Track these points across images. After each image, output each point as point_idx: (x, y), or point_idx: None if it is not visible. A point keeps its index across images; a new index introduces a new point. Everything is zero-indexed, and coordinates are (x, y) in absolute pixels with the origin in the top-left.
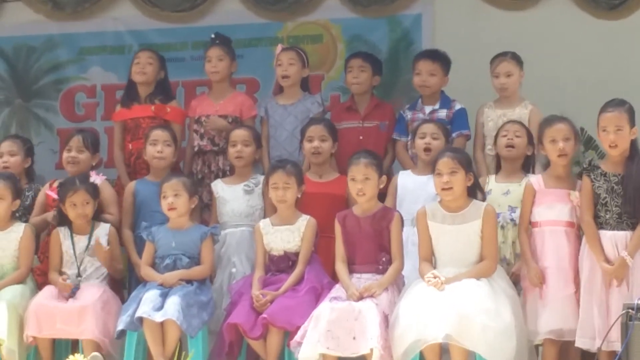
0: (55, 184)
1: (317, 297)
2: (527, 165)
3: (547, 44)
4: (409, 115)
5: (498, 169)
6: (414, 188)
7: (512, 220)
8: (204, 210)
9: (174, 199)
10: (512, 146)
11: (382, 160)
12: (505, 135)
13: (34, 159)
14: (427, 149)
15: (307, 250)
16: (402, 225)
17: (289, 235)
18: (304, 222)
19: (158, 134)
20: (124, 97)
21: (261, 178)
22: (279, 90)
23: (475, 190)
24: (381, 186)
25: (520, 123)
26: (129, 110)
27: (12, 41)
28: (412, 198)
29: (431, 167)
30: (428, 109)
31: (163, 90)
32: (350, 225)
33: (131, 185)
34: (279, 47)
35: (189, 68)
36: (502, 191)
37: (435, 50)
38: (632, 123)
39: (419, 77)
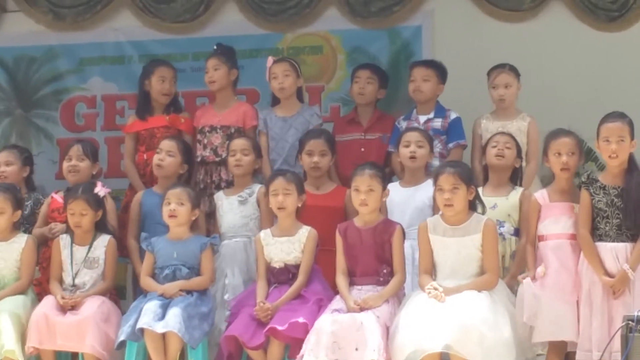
0: (59, 194)
1: (322, 308)
2: (515, 178)
3: (546, 55)
4: (403, 125)
5: (486, 180)
6: (400, 201)
7: (500, 234)
8: (207, 220)
9: (177, 207)
10: (501, 156)
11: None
12: (495, 146)
13: (33, 169)
14: (412, 157)
15: (308, 262)
16: (404, 238)
17: (289, 247)
18: (305, 233)
19: (164, 143)
20: (139, 108)
21: (255, 188)
22: (276, 101)
23: (475, 203)
24: (384, 199)
25: (510, 135)
26: (144, 122)
27: (13, 51)
28: (400, 210)
29: (417, 178)
30: (423, 118)
31: (174, 101)
32: (351, 237)
33: (138, 196)
34: (270, 60)
35: (189, 79)
36: (489, 205)
37: (430, 59)
38: (632, 135)
39: (413, 83)
